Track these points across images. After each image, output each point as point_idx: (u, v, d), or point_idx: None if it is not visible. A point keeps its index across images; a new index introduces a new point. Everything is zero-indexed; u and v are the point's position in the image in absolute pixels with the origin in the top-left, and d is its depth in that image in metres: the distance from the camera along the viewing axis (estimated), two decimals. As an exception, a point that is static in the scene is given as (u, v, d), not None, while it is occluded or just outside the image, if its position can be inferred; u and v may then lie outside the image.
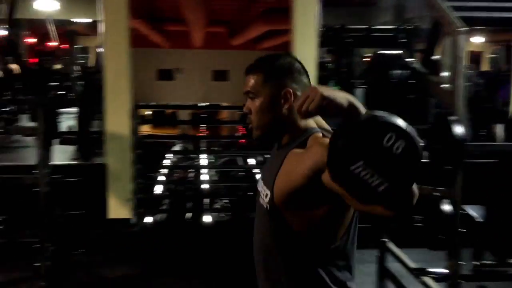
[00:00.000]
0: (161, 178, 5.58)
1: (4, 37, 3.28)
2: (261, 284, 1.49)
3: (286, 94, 1.40)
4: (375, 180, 1.02)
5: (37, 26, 11.79)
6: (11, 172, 4.21)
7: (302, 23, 4.59)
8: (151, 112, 7.90)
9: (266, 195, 1.41)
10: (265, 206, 1.41)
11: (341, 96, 1.09)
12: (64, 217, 3.85)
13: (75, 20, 10.56)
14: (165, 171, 5.74)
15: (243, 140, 6.56)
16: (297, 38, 4.60)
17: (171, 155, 6.27)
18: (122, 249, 4.51)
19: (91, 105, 4.98)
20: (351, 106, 1.09)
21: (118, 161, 4.43)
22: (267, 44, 5.81)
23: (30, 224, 3.44)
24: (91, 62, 10.80)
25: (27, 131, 4.18)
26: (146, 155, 4.82)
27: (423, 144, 1.09)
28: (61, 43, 12.24)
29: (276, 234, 1.40)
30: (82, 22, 10.67)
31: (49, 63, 9.78)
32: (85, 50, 14.23)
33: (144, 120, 6.68)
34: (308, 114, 1.10)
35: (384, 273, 3.77)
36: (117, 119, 4.35)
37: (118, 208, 4.49)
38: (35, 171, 3.32)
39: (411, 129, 1.04)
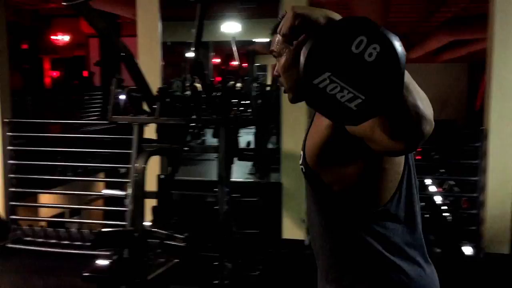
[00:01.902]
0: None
1: (192, 58, 3.51)
2: (316, 257, 1.39)
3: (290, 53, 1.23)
4: (346, 94, 0.82)
5: (222, 47, 12.68)
6: (194, 187, 4.42)
7: (502, 29, 4.02)
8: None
9: (300, 156, 1.30)
10: (301, 169, 1.30)
11: (317, 12, 0.94)
12: (241, 235, 3.86)
13: (255, 40, 11.06)
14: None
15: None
16: (496, 46, 4.03)
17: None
18: (296, 271, 4.38)
19: (268, 122, 5.05)
20: (329, 21, 0.92)
21: (293, 180, 4.36)
22: (448, 56, 5.25)
23: (208, 241, 3.51)
24: (268, 80, 11.19)
25: (210, 150, 4.33)
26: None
27: (403, 52, 0.82)
28: (242, 62, 12.98)
29: (316, 197, 1.30)
30: (261, 42, 11.11)
31: (231, 82, 10.33)
32: (263, 68, 14.88)
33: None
34: (286, 38, 1.00)
35: None
36: (292, 137, 4.30)
37: (292, 228, 4.41)
38: (216, 189, 3.38)
39: (387, 31, 0.82)
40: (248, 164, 5.49)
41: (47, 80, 14.98)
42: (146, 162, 3.09)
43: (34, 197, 6.62)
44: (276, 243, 4.37)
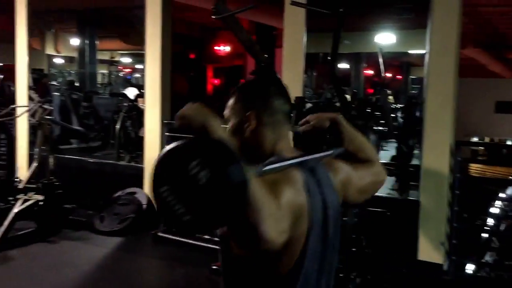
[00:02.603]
0: (488, 223, 4.90)
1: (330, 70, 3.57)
2: None
3: (249, 116, 1.31)
4: (179, 208, 0.91)
5: (375, 59, 12.45)
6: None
7: None
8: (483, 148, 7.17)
9: None
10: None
11: (199, 118, 1.04)
12: (371, 249, 3.76)
13: (410, 51, 10.66)
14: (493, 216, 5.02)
15: None
16: None
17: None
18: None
19: (412, 137, 4.83)
20: (203, 128, 1.02)
21: (433, 199, 4.12)
22: None
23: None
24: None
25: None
26: (471, 196, 4.31)
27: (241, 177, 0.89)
28: (395, 75, 12.55)
29: (222, 259, 1.31)
30: (416, 54, 10.69)
31: (383, 94, 10.10)
32: (418, 81, 14.22)
33: (475, 157, 6.07)
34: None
35: None
36: (435, 154, 4.07)
37: (429, 250, 4.17)
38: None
39: (222, 156, 0.91)
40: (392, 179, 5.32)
41: (209, 87, 16.24)
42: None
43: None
44: (411, 263, 4.16)
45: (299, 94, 4.20)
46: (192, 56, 15.06)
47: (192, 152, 0.93)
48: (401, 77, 12.91)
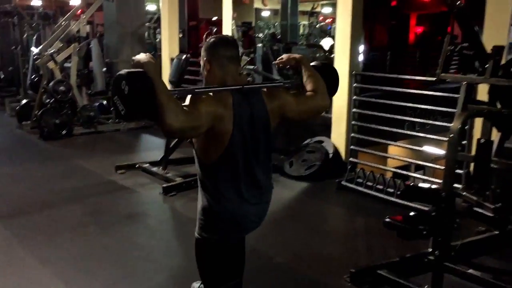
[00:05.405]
0: None
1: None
2: None
3: (205, 63, 2.09)
4: (120, 106, 1.82)
5: None
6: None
7: None
8: None
9: None
10: None
11: (141, 63, 1.88)
12: None
13: None
14: None
15: None
16: None
17: None
18: None
19: None
20: (141, 66, 1.88)
21: None
22: None
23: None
24: None
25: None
26: None
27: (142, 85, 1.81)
28: None
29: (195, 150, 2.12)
30: None
31: None
32: None
33: None
34: None
35: None
36: None
37: None
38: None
39: (134, 77, 1.82)
40: None
41: (411, 36, 15.37)
42: (464, 123, 2.98)
43: (378, 146, 7.06)
44: None
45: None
46: (394, 3, 14.36)
47: (124, 77, 1.81)
48: None
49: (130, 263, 3.65)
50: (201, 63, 2.11)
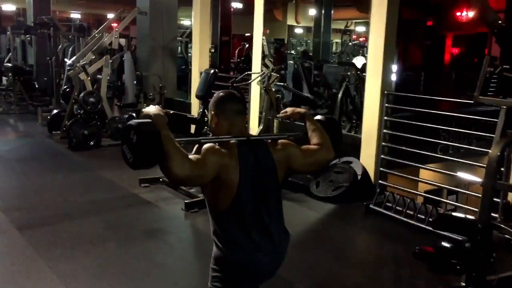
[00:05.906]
0: None
1: None
2: None
3: (212, 116, 2.16)
4: (128, 154, 1.90)
5: None
6: None
7: None
8: None
9: None
10: None
11: (150, 115, 1.94)
12: None
13: None
14: None
15: None
16: None
17: None
18: None
19: None
20: (150, 118, 1.94)
21: None
22: None
23: None
24: None
25: None
26: None
27: (144, 137, 1.86)
28: None
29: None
30: None
31: None
32: None
33: None
34: None
35: None
36: None
37: None
38: None
39: (143, 128, 1.88)
40: None
41: (447, 57, 15.04)
42: (503, 150, 2.78)
43: (408, 168, 6.83)
44: None
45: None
46: (429, 23, 14.10)
47: (133, 127, 1.89)
48: None
49: (147, 282, 3.54)
50: (209, 116, 2.20)
